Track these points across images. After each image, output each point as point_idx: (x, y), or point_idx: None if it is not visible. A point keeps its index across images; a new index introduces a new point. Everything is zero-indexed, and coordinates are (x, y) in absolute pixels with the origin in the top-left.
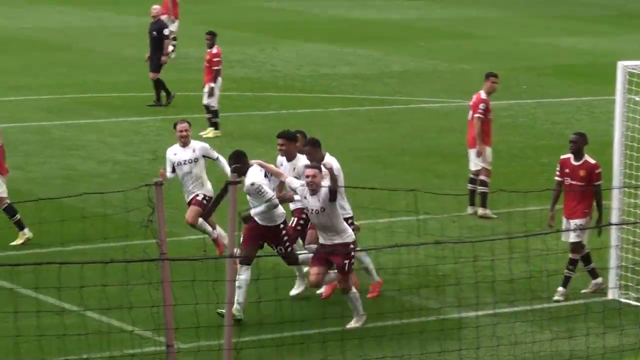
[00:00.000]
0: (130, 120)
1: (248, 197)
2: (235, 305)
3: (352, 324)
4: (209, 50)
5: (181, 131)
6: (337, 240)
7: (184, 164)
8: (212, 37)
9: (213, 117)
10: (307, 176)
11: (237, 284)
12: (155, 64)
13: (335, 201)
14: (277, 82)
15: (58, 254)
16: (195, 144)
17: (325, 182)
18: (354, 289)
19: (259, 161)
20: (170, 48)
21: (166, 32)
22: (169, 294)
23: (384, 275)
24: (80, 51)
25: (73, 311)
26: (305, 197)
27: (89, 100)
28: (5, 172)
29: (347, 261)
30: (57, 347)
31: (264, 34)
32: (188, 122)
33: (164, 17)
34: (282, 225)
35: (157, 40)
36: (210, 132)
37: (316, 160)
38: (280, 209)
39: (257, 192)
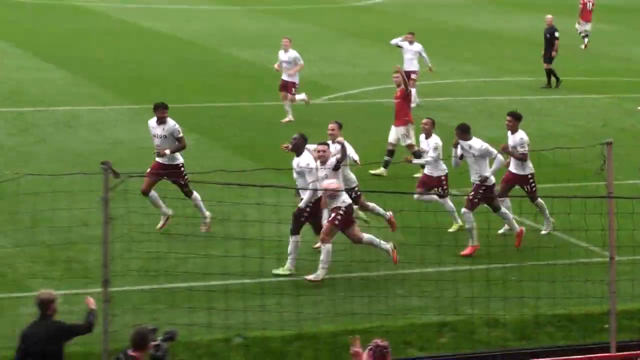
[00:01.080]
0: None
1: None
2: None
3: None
4: None
5: (329, 130)
6: (333, 205)
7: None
8: None
9: None
10: (318, 151)
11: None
12: (548, 57)
13: (337, 170)
14: None
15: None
16: (339, 140)
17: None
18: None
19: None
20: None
21: (556, 34)
22: (612, 222)
23: None
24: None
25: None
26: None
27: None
28: (402, 124)
29: (333, 216)
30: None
31: None
32: (338, 123)
33: (552, 22)
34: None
35: (549, 40)
36: None
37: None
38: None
39: (309, 172)
